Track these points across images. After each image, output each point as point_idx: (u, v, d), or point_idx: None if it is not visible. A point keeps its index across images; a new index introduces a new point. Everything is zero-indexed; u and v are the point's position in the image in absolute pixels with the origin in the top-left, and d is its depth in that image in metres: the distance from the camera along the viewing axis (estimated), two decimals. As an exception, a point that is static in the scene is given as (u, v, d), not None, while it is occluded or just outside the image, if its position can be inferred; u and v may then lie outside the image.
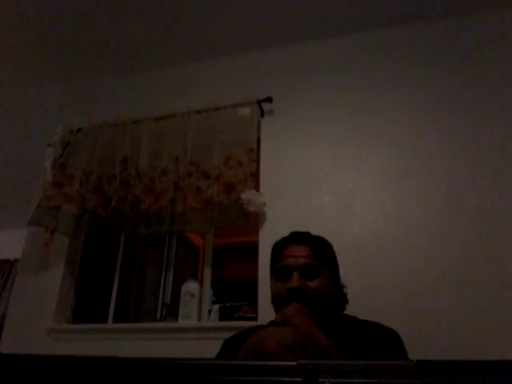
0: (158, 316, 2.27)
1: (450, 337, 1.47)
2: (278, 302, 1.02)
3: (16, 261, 3.97)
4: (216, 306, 1.90)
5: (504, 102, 1.82)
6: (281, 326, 0.85)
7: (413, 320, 1.50)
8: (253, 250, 1.87)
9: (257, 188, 1.89)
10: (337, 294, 1.07)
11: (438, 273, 1.58)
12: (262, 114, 2.09)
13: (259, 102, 2.07)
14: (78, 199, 2.05)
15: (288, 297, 0.97)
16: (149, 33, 2.26)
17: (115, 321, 2.03)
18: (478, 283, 1.53)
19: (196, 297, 1.86)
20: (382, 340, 0.93)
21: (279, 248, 1.08)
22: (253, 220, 1.87)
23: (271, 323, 1.05)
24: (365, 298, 1.52)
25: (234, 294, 2.28)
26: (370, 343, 0.89)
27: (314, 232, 1.13)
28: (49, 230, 2.03)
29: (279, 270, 1.04)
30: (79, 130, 2.29)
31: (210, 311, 1.89)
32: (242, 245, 2.73)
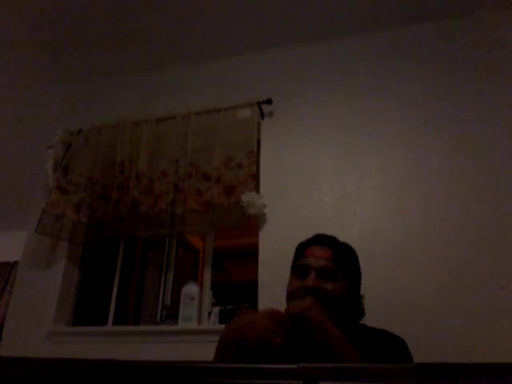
0: (158, 319, 2.27)
1: (449, 338, 1.47)
2: (291, 298, 1.02)
3: (16, 263, 3.96)
4: (216, 309, 1.90)
5: (505, 101, 1.82)
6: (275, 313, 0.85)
7: (413, 321, 1.49)
8: (253, 252, 1.87)
9: (257, 190, 1.89)
10: (353, 303, 1.06)
11: (439, 274, 1.58)
12: (262, 115, 2.09)
13: (259, 104, 2.07)
14: (84, 208, 2.05)
15: (302, 295, 0.98)
16: (149, 34, 2.26)
17: (115, 323, 2.02)
18: (479, 284, 1.53)
19: (196, 299, 1.85)
20: (388, 348, 0.93)
21: (303, 247, 1.09)
22: (253, 222, 1.87)
23: None
24: (365, 299, 1.52)
25: (234, 297, 2.27)
26: (377, 350, 0.89)
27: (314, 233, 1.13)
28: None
29: (298, 268, 1.05)
30: (79, 131, 2.29)
31: (210, 314, 1.89)
32: (241, 247, 2.72)
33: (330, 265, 1.01)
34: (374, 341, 0.94)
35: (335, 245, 1.07)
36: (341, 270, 1.02)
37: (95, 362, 0.46)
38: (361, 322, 1.09)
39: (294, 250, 1.14)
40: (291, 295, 1.02)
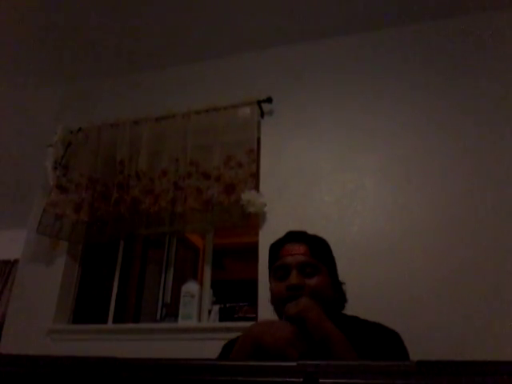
0: (158, 316, 2.27)
1: (449, 337, 1.47)
2: (277, 301, 1.02)
3: (16, 261, 3.96)
4: (216, 307, 1.90)
5: (505, 101, 1.82)
6: (279, 320, 0.85)
7: (413, 320, 1.50)
8: (252, 250, 1.87)
9: (257, 188, 1.89)
10: (336, 291, 1.06)
11: (439, 272, 1.58)
12: (262, 114, 2.09)
13: (259, 103, 2.07)
14: (85, 207, 2.05)
15: (288, 295, 0.97)
16: (149, 33, 2.26)
17: (115, 321, 2.03)
18: (478, 283, 1.53)
19: (196, 297, 1.86)
20: (383, 341, 0.93)
21: (276, 248, 1.08)
22: (253, 220, 1.87)
23: None
24: (365, 298, 1.52)
25: (234, 295, 2.28)
26: (371, 344, 0.89)
27: (314, 232, 1.13)
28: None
29: (277, 269, 1.04)
30: (79, 130, 2.29)
31: (209, 312, 1.89)
32: (241, 245, 2.73)
33: (308, 259, 1.01)
34: (367, 334, 0.95)
35: (308, 239, 1.07)
36: (319, 262, 1.02)
37: (95, 359, 0.46)
38: (352, 311, 1.08)
39: None
40: (276, 298, 1.02)
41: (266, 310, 1.65)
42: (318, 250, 1.05)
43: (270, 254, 1.11)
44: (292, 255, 1.02)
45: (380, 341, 0.92)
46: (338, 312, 1.06)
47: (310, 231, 1.13)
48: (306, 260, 1.01)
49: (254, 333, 0.84)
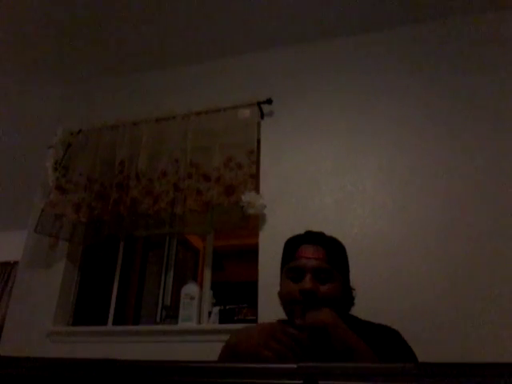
0: (158, 318, 2.27)
1: (450, 338, 1.47)
2: (287, 301, 1.00)
3: (16, 263, 3.96)
4: (216, 309, 1.90)
5: (504, 101, 1.82)
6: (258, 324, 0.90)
7: (413, 321, 1.49)
8: (252, 252, 1.87)
9: (257, 190, 1.89)
10: (345, 296, 1.05)
11: (439, 274, 1.58)
12: (262, 115, 2.09)
13: (259, 104, 2.07)
14: (84, 207, 2.05)
15: (299, 298, 0.96)
16: (149, 34, 2.26)
17: (115, 323, 2.02)
18: (478, 284, 1.53)
19: (196, 299, 1.85)
20: (386, 341, 0.92)
21: (293, 246, 1.06)
22: (252, 222, 1.87)
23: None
24: (365, 300, 1.52)
25: (233, 297, 2.27)
26: (374, 344, 0.89)
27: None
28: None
29: (291, 270, 1.02)
30: (79, 131, 2.29)
31: (209, 313, 1.89)
32: (241, 247, 2.73)
33: (324, 265, 0.99)
34: (371, 334, 0.94)
35: (326, 243, 1.05)
36: (334, 269, 1.00)
37: (95, 361, 0.46)
38: (353, 314, 1.08)
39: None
40: (288, 299, 1.00)
41: (265, 312, 1.65)
42: (334, 257, 1.02)
43: (284, 250, 1.09)
44: (308, 258, 1.00)
45: (383, 340, 0.92)
46: (343, 314, 1.05)
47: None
48: (322, 266, 0.99)
49: (230, 342, 0.90)
